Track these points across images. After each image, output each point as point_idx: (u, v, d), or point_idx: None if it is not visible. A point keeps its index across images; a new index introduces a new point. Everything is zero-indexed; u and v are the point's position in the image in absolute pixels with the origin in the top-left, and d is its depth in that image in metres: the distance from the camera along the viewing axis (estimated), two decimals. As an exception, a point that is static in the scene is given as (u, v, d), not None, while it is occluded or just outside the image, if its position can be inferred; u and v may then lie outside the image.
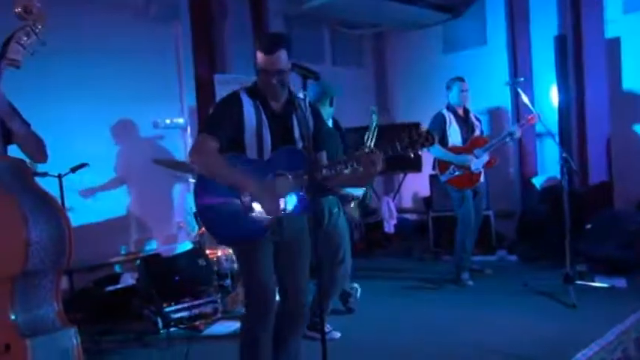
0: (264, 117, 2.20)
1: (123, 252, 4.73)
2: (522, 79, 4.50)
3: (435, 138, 2.10)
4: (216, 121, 2.16)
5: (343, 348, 3.24)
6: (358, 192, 3.58)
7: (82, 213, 4.47)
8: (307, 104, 2.33)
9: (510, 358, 2.92)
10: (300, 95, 2.27)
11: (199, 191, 2.19)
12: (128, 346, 3.39)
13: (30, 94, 4.05)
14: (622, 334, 3.20)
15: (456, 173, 4.39)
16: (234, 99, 2.19)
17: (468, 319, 3.63)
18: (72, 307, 3.63)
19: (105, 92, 4.59)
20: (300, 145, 2.24)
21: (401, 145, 2.12)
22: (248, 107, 2.18)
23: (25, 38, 2.15)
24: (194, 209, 2.24)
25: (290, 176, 2.14)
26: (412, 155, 2.11)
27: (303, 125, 2.15)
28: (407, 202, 7.43)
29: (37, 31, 2.17)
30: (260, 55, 2.15)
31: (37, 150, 2.24)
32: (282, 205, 2.13)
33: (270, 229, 2.14)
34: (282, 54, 2.15)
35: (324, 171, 2.16)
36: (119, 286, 4.21)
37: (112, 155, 4.75)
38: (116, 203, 4.78)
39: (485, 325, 3.48)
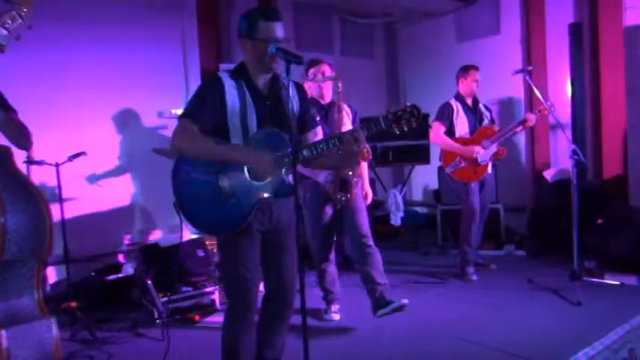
0: (248, 98, 2.11)
1: (126, 242, 4.74)
2: (530, 67, 4.34)
3: (421, 112, 2.01)
4: (197, 105, 2.08)
5: (338, 339, 3.22)
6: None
7: (85, 203, 4.49)
8: (293, 84, 2.24)
9: (508, 355, 2.82)
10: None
11: (177, 180, 2.13)
12: (123, 337, 3.37)
13: (33, 83, 4.12)
14: (628, 334, 3.07)
15: (462, 165, 4.28)
16: (214, 81, 2.11)
17: (468, 315, 3.54)
18: (70, 296, 3.65)
19: (109, 81, 4.59)
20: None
21: (385, 121, 2.03)
22: (230, 89, 2.10)
23: (10, 22, 2.11)
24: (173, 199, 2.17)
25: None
26: (397, 132, 2.02)
27: (287, 106, 2.07)
28: (417, 195, 7.33)
29: (23, 14, 2.13)
30: (263, 23, 2.06)
31: (18, 137, 2.20)
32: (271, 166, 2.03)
33: (253, 213, 2.07)
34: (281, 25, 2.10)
35: (304, 152, 2.07)
36: (120, 275, 4.22)
37: (115, 145, 4.75)
38: (119, 193, 4.77)
39: (486, 322, 3.38)
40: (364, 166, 3.58)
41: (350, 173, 3.35)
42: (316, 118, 3.13)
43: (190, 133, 2.03)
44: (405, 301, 3.18)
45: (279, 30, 2.08)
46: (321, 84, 3.39)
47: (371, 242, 3.36)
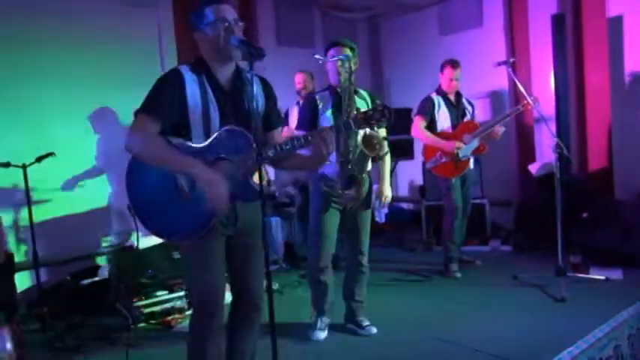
0: (210, 93, 1.99)
1: (103, 244, 4.61)
2: (513, 59, 4.26)
3: (392, 112, 1.91)
4: (155, 100, 1.94)
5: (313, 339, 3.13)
6: None
7: (60, 205, 4.36)
8: (258, 79, 2.14)
9: (488, 357, 2.74)
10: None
11: (132, 180, 2.02)
12: (95, 343, 3.25)
13: (4, 82, 3.99)
14: (613, 331, 3.01)
15: (443, 160, 4.19)
16: (173, 74, 1.98)
17: (450, 314, 3.46)
18: (42, 301, 3.53)
19: (84, 80, 4.44)
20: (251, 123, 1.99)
21: (355, 122, 1.94)
22: (191, 83, 1.97)
23: None
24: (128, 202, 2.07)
25: (233, 160, 1.94)
26: (367, 132, 1.92)
27: (251, 103, 1.96)
28: (403, 191, 7.24)
29: None
30: (208, 9, 1.97)
31: None
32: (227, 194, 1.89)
33: (215, 220, 1.95)
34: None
35: (270, 152, 1.96)
36: (95, 279, 4.09)
37: (90, 144, 4.61)
38: (96, 194, 4.64)
39: (467, 321, 3.31)
40: (386, 162, 3.16)
41: (355, 167, 2.86)
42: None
43: (147, 134, 1.89)
44: (374, 331, 3.19)
45: (227, 12, 1.98)
46: (341, 67, 2.92)
47: (366, 261, 3.23)
